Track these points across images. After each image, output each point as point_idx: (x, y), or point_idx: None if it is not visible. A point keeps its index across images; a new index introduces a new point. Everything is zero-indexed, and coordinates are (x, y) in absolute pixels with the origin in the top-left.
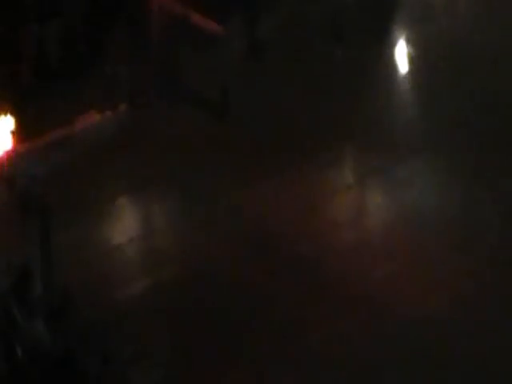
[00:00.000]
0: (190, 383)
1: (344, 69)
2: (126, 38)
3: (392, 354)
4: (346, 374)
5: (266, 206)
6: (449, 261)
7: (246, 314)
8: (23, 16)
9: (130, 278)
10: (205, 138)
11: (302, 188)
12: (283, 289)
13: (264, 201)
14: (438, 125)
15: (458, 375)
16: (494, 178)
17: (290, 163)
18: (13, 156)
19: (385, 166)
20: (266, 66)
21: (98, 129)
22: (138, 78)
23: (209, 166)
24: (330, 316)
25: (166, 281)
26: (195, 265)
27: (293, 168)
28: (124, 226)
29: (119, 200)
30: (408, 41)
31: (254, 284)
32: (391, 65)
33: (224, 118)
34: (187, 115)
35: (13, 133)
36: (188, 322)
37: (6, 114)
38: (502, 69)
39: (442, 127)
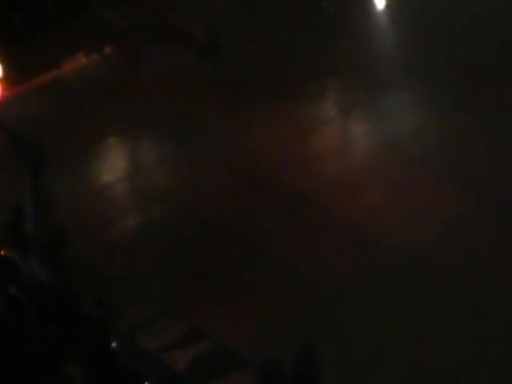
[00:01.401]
0: (185, 316)
1: (329, 13)
2: None
3: (378, 282)
4: (330, 297)
5: (253, 140)
6: (433, 190)
7: (234, 245)
8: None
9: (122, 214)
10: (193, 76)
11: (289, 122)
12: (271, 220)
13: (252, 135)
14: (421, 60)
15: (438, 303)
16: (474, 109)
17: (276, 99)
18: (3, 101)
19: (369, 99)
20: (254, 12)
21: (86, 71)
22: (125, 21)
23: (196, 103)
24: (317, 244)
25: (156, 217)
26: (184, 201)
27: (280, 103)
28: (114, 165)
29: (109, 140)
30: None
31: (241, 216)
32: (376, 5)
33: (213, 57)
34: (175, 55)
35: (5, 79)
36: (178, 256)
37: None
38: (487, 8)
39: (424, 62)
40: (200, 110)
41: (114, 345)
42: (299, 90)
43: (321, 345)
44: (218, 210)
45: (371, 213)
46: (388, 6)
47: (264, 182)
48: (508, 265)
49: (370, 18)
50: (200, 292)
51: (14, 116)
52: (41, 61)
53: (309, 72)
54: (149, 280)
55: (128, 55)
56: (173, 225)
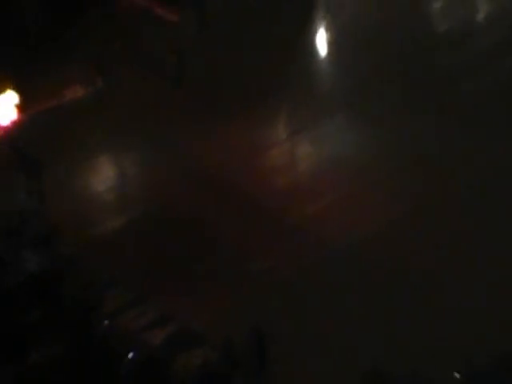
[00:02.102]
0: (157, 302)
1: (279, 40)
2: (100, 27)
3: (329, 276)
4: (279, 297)
5: (216, 154)
6: (371, 195)
7: (199, 238)
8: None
9: (107, 216)
10: (165, 98)
11: (247, 137)
12: (229, 220)
13: (215, 150)
14: (359, 86)
15: (372, 287)
16: (401, 129)
17: (236, 117)
18: (16, 124)
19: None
20: (214, 36)
21: (80, 99)
22: (110, 57)
23: (169, 122)
24: (269, 245)
25: (136, 218)
26: (159, 203)
27: (239, 121)
28: (97, 174)
29: (99, 155)
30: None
31: (205, 216)
32: (320, 36)
33: (179, 80)
34: (150, 80)
35: (17, 106)
36: (155, 249)
37: (9, 90)
38: (409, 37)
39: (362, 88)
40: (172, 129)
41: (106, 322)
42: (253, 109)
43: (267, 325)
44: (180, 209)
45: (314, 215)
46: (330, 38)
47: (220, 188)
48: (426, 257)
49: (320, 50)
50: (168, 276)
51: (20, 136)
52: (46, 91)
53: (266, 95)
54: (126, 268)
55: (112, 85)
56: (143, 223)
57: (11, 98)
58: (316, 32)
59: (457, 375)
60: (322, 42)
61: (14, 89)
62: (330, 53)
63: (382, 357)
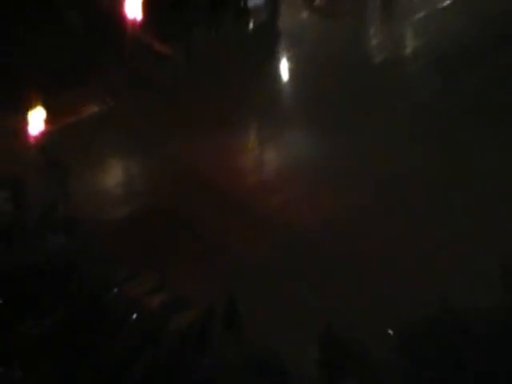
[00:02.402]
0: (152, 274)
1: (251, 67)
2: (114, 58)
3: (284, 257)
4: (250, 273)
5: (199, 158)
6: (325, 190)
7: (183, 226)
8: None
9: (116, 206)
10: (161, 113)
11: (224, 145)
12: (208, 212)
13: (198, 155)
14: (316, 104)
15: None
16: (352, 137)
17: (216, 129)
18: (44, 135)
19: (269, 135)
20: (198, 64)
21: (95, 114)
22: (118, 82)
23: (164, 132)
24: (239, 229)
25: (138, 208)
26: (155, 196)
27: (218, 132)
28: (111, 174)
29: (109, 159)
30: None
31: (190, 206)
32: (284, 64)
33: (171, 100)
34: (149, 99)
35: (44, 120)
36: (151, 232)
37: (38, 107)
38: (358, 63)
39: (318, 106)
40: (161, 136)
41: (115, 290)
42: (230, 123)
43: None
44: (171, 203)
45: (282, 207)
46: (291, 66)
47: (200, 184)
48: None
49: (279, 74)
50: (163, 255)
51: (49, 143)
52: (68, 107)
53: (239, 111)
54: (129, 248)
55: (119, 104)
56: (143, 212)
57: (40, 113)
58: (281, 60)
59: (390, 332)
60: (285, 68)
61: (42, 106)
62: (291, 77)
63: (336, 321)
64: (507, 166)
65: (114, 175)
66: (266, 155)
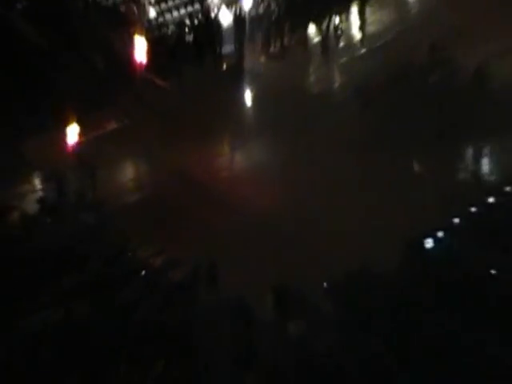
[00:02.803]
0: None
1: (223, 94)
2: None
3: (250, 230)
4: (224, 245)
5: (187, 162)
6: (275, 185)
7: (175, 209)
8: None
9: (127, 195)
10: (161, 128)
11: (204, 152)
12: (193, 199)
13: (187, 159)
14: (276, 123)
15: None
16: (290, 144)
17: (199, 140)
18: (78, 143)
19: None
20: (185, 93)
21: (114, 129)
22: (131, 105)
23: (163, 142)
24: (215, 213)
25: (144, 196)
26: (157, 188)
27: (200, 142)
28: (124, 172)
29: (124, 160)
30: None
31: (179, 196)
32: (245, 97)
33: (167, 119)
34: (153, 119)
35: (78, 133)
36: (152, 214)
37: (74, 123)
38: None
39: (270, 124)
40: (163, 145)
41: (129, 254)
42: (211, 136)
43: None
44: (167, 192)
45: (245, 195)
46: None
47: (188, 180)
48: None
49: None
50: (162, 229)
51: (82, 151)
52: (93, 125)
53: (214, 127)
54: (138, 224)
55: (133, 122)
56: (148, 199)
57: (75, 128)
58: (246, 90)
59: (325, 284)
60: (249, 96)
61: (76, 123)
62: (253, 103)
63: (285, 276)
64: (407, 167)
65: (126, 173)
66: (235, 159)
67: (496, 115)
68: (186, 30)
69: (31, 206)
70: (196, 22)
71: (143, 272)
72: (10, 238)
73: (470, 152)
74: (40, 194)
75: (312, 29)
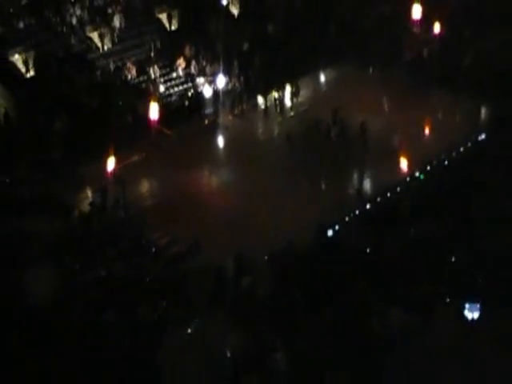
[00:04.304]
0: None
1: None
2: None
3: (221, 220)
4: (207, 232)
5: (182, 180)
6: (236, 196)
7: (175, 211)
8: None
9: (145, 200)
10: (165, 160)
11: (194, 175)
12: (187, 204)
13: (182, 179)
14: (234, 158)
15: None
16: (249, 171)
17: (189, 169)
18: (114, 168)
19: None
20: (183, 140)
21: (136, 161)
22: (147, 146)
23: (166, 169)
24: (201, 214)
25: (157, 201)
26: (164, 196)
27: (191, 170)
28: (143, 187)
29: (142, 179)
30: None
31: (177, 203)
32: (219, 141)
33: (170, 154)
34: (160, 154)
35: (114, 162)
36: (162, 215)
37: (111, 156)
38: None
39: (236, 159)
40: (166, 170)
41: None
42: (198, 166)
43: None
44: (170, 200)
45: (220, 202)
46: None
47: (183, 192)
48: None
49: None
50: (170, 225)
51: (116, 174)
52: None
53: (199, 159)
54: (153, 222)
55: (146, 153)
56: (160, 203)
57: (112, 159)
58: (219, 137)
59: (265, 257)
60: (222, 141)
61: (113, 156)
62: (224, 145)
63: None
64: (316, 183)
65: (144, 187)
66: (213, 180)
67: (372, 152)
68: (183, 99)
69: (86, 207)
70: (189, 94)
71: (154, 247)
72: (73, 227)
73: (354, 174)
74: (91, 199)
75: (260, 99)
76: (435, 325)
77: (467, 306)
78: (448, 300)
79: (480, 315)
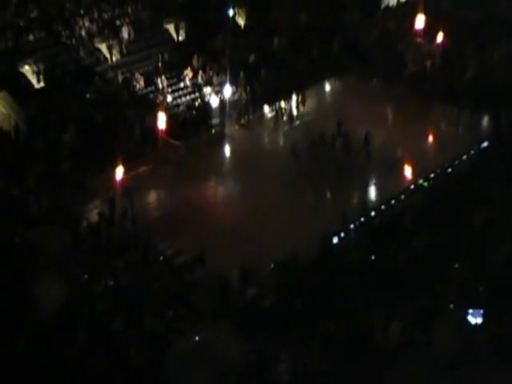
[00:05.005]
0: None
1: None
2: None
3: (222, 227)
4: (212, 239)
5: (190, 192)
6: (241, 206)
7: (184, 221)
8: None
9: (152, 212)
10: (172, 172)
11: (201, 186)
12: (194, 215)
13: (189, 191)
14: (240, 168)
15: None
16: (254, 182)
17: (196, 180)
18: (122, 179)
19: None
20: (191, 152)
21: (145, 172)
22: (156, 159)
23: (173, 181)
24: (207, 222)
25: (164, 213)
26: (173, 208)
27: (197, 181)
28: (150, 198)
29: (152, 191)
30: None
31: (185, 213)
32: (225, 151)
33: (178, 166)
34: (168, 166)
35: (122, 172)
36: (170, 226)
37: (120, 167)
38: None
39: (242, 170)
40: (173, 184)
41: (160, 256)
42: (204, 179)
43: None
44: (178, 211)
45: (224, 212)
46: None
47: (190, 203)
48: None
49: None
50: (177, 235)
51: (126, 184)
52: (129, 168)
53: (206, 171)
54: (161, 232)
55: (153, 166)
56: (168, 215)
57: (121, 170)
58: (226, 146)
59: (272, 265)
60: (228, 150)
61: (121, 166)
62: (230, 155)
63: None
64: (321, 194)
65: (152, 198)
66: (219, 191)
67: (375, 164)
68: (191, 109)
69: (94, 218)
70: (196, 104)
71: (161, 257)
72: (81, 237)
73: (358, 184)
74: (100, 210)
75: (267, 109)
76: (436, 336)
77: (470, 311)
78: (452, 306)
79: (482, 322)
